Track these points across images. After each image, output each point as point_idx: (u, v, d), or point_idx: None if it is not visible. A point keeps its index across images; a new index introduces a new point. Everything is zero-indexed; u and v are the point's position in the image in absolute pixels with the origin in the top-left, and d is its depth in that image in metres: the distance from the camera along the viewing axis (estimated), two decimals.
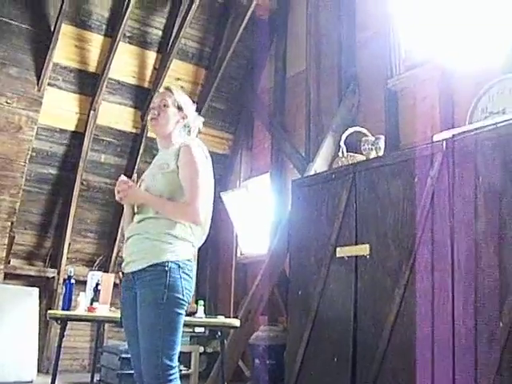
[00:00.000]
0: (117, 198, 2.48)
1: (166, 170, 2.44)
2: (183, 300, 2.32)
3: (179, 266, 2.33)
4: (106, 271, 6.33)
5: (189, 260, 2.40)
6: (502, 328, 2.84)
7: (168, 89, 2.66)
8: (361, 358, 3.63)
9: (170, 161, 2.46)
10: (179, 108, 2.61)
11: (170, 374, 2.24)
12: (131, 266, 2.40)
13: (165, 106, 2.58)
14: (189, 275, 2.37)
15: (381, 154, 4.20)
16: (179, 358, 2.32)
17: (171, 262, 2.31)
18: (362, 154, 4.31)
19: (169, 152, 2.52)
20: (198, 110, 7.42)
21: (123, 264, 2.48)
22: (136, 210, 2.53)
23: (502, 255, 2.92)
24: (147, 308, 2.29)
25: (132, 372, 4.05)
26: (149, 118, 2.61)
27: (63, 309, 3.81)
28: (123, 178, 2.52)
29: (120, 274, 2.61)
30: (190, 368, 5.66)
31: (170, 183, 2.42)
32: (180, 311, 2.31)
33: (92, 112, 6.39)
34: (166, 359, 2.24)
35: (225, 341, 4.05)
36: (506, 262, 2.90)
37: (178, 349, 2.30)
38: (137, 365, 2.39)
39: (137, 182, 2.61)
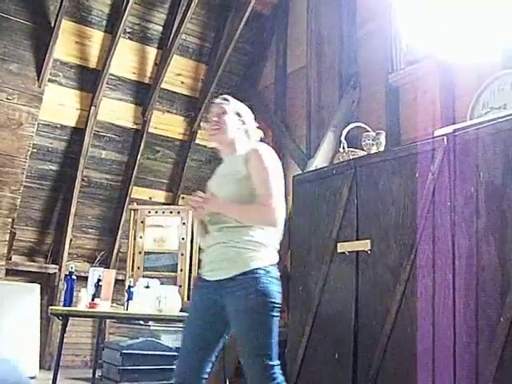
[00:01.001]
0: (193, 214, 2.53)
1: (237, 177, 2.46)
2: (275, 303, 2.37)
3: (266, 272, 2.37)
4: (107, 267, 6.34)
5: (273, 264, 2.44)
6: (503, 324, 2.84)
7: (225, 98, 2.68)
8: (362, 353, 3.63)
9: (239, 167, 2.47)
10: (238, 114, 2.63)
11: (273, 373, 2.31)
12: (217, 274, 2.42)
13: (223, 113, 2.60)
14: (276, 278, 2.41)
15: (382, 149, 4.19)
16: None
17: (259, 268, 2.36)
18: (362, 149, 4.30)
19: (235, 159, 2.54)
20: (199, 106, 7.40)
21: (203, 270, 2.51)
22: (208, 219, 2.53)
23: (503, 251, 2.92)
24: (242, 316, 2.35)
25: (133, 368, 4.07)
26: (209, 128, 2.62)
27: (65, 305, 3.81)
28: (199, 193, 2.50)
29: (196, 277, 2.65)
30: None
31: (242, 189, 2.44)
32: (274, 313, 2.36)
33: (93, 108, 6.38)
34: (267, 360, 2.31)
35: (226, 337, 4.05)
36: (507, 258, 2.90)
37: (276, 346, 2.36)
38: (183, 364, 2.47)
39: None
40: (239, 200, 2.42)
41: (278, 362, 2.35)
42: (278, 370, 2.33)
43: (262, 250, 2.41)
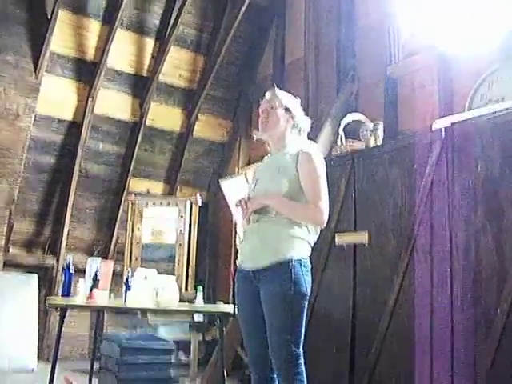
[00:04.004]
0: (241, 217, 2.64)
1: (288, 174, 2.57)
2: (306, 293, 2.52)
3: (301, 263, 2.51)
4: (105, 258, 6.33)
5: (306, 258, 2.57)
6: (500, 315, 2.85)
7: (274, 92, 2.79)
8: (359, 345, 3.64)
9: (288, 164, 2.60)
10: (286, 109, 2.73)
11: (299, 359, 2.47)
12: (253, 263, 2.55)
13: (272, 108, 2.71)
14: (308, 270, 2.56)
15: (379, 140, 4.19)
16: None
17: (294, 259, 2.49)
18: (360, 140, 4.30)
19: (285, 155, 2.65)
20: (197, 98, 7.36)
21: (240, 260, 2.65)
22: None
23: (501, 243, 2.93)
24: (276, 303, 2.47)
25: (132, 361, 4.06)
26: (259, 121, 2.73)
27: (63, 296, 3.81)
28: (242, 200, 2.62)
29: (232, 269, 2.77)
30: (189, 356, 5.68)
31: (291, 186, 2.55)
32: (304, 303, 2.53)
33: (90, 100, 6.36)
34: (295, 347, 2.46)
35: (224, 328, 4.06)
36: (504, 249, 2.91)
37: (302, 335, 2.50)
38: (254, 353, 2.62)
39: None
40: (287, 195, 2.54)
41: (302, 352, 2.48)
42: (302, 359, 2.47)
43: (297, 242, 2.53)
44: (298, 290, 2.46)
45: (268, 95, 2.78)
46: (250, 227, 2.61)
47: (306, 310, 2.51)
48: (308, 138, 2.84)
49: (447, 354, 3.09)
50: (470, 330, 3.00)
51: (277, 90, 2.81)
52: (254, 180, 2.76)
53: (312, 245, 2.64)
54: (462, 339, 3.03)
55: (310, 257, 2.61)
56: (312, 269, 2.59)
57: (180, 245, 6.00)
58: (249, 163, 7.03)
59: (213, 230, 7.36)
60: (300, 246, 2.54)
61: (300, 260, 2.51)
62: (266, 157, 2.85)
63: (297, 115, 2.75)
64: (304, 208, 2.54)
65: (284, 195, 2.53)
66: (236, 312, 2.71)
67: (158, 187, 7.16)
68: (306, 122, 2.80)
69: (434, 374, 3.13)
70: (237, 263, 2.70)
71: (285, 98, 2.77)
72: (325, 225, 2.57)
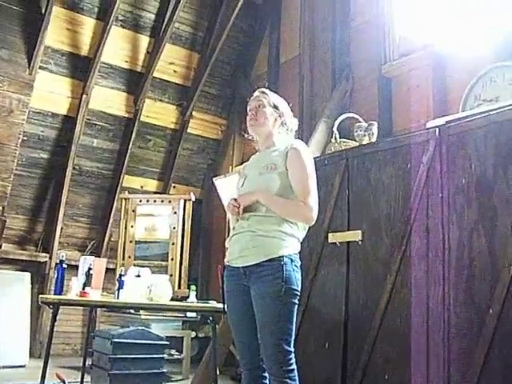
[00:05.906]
0: (232, 214, 2.62)
1: (275, 171, 2.57)
2: (297, 290, 2.49)
3: (292, 260, 2.49)
4: (98, 256, 6.33)
5: (297, 254, 2.55)
6: (492, 315, 2.86)
7: (263, 91, 2.79)
8: (352, 343, 3.65)
9: (277, 162, 2.59)
10: (275, 107, 2.74)
11: (290, 359, 2.44)
12: (244, 260, 2.53)
13: (260, 106, 2.72)
14: (298, 267, 2.53)
15: (374, 140, 4.20)
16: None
17: (285, 256, 2.47)
18: (354, 140, 4.31)
19: (273, 152, 2.65)
20: (191, 95, 7.33)
21: (229, 258, 2.63)
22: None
23: (493, 243, 2.93)
24: (267, 301, 2.45)
25: (124, 356, 4.06)
26: (247, 119, 2.73)
27: (55, 293, 3.79)
28: (232, 200, 2.62)
29: (220, 267, 2.73)
30: (181, 353, 5.68)
31: (281, 182, 2.54)
32: (295, 301, 2.48)
33: (84, 96, 6.35)
34: (286, 345, 2.43)
35: (216, 326, 4.06)
36: (496, 249, 2.91)
37: (293, 334, 2.48)
38: (244, 351, 2.60)
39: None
40: (278, 192, 2.53)
41: (293, 350, 2.46)
42: (293, 357, 2.45)
43: (288, 239, 2.51)
44: (289, 288, 2.45)
45: (257, 94, 2.79)
46: (239, 224, 2.59)
47: (296, 308, 2.49)
48: (297, 138, 2.84)
49: (440, 353, 3.09)
50: (462, 331, 3.01)
51: (265, 89, 2.82)
52: (242, 177, 2.75)
53: (301, 241, 2.63)
54: (455, 338, 3.04)
55: (299, 253, 2.59)
56: (301, 266, 2.57)
57: (173, 243, 6.00)
58: (243, 161, 7.02)
59: (206, 228, 7.36)
60: (291, 242, 2.52)
61: (291, 257, 2.49)
62: (253, 156, 2.85)
63: (285, 114, 2.76)
64: (293, 205, 2.53)
65: (275, 192, 2.53)
66: (225, 310, 2.69)
67: (151, 184, 7.16)
68: (293, 122, 2.81)
69: (426, 373, 3.14)
70: (225, 261, 2.68)
71: (273, 97, 2.78)
72: (313, 222, 2.55)
